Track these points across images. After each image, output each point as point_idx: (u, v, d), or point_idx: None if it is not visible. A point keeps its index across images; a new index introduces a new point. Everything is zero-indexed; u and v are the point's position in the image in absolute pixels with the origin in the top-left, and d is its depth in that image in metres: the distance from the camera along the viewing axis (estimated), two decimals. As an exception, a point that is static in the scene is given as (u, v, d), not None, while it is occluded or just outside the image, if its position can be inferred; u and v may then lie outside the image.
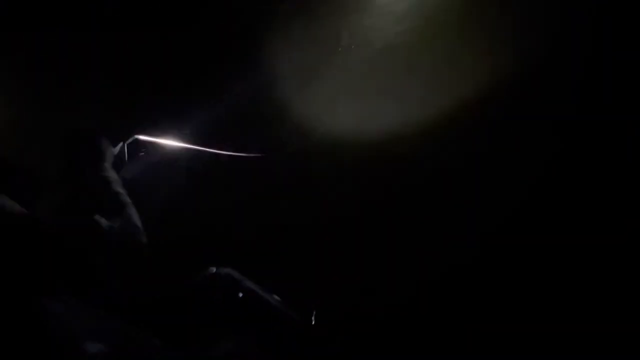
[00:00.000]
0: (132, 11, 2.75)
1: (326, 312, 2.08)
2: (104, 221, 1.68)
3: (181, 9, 2.84)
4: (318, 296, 2.26)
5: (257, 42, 2.86)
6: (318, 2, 2.80)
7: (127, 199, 1.83)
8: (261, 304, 1.94)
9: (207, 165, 2.62)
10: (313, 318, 2.07)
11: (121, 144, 2.16)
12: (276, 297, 1.99)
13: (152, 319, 1.74)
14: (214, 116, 2.73)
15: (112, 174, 1.91)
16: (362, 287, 2.56)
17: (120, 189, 1.86)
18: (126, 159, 2.15)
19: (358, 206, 2.73)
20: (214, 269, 1.93)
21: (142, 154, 2.30)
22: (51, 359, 1.55)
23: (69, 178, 1.89)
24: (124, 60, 2.72)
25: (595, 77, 2.45)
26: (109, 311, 1.65)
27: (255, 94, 2.84)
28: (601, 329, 2.19)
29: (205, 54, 2.89)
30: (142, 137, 2.26)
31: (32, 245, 1.53)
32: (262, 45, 2.85)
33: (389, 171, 2.73)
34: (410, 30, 2.71)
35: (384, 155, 2.71)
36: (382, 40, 2.77)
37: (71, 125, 2.09)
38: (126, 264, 1.68)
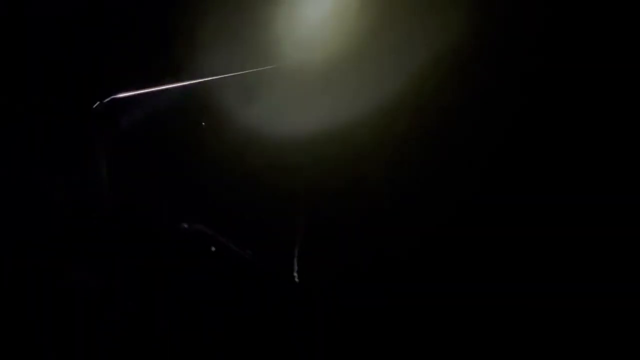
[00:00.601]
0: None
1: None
2: None
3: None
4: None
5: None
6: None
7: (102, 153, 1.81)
8: (233, 258, 2.00)
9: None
10: (296, 268, 2.08)
11: (97, 103, 2.12)
12: (249, 251, 2.04)
13: (133, 271, 1.77)
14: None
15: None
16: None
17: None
18: (108, 119, 2.12)
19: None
20: (185, 225, 1.97)
21: (125, 112, 2.24)
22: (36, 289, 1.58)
23: None
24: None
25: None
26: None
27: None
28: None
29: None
30: (119, 95, 2.21)
31: None
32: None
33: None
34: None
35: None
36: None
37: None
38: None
